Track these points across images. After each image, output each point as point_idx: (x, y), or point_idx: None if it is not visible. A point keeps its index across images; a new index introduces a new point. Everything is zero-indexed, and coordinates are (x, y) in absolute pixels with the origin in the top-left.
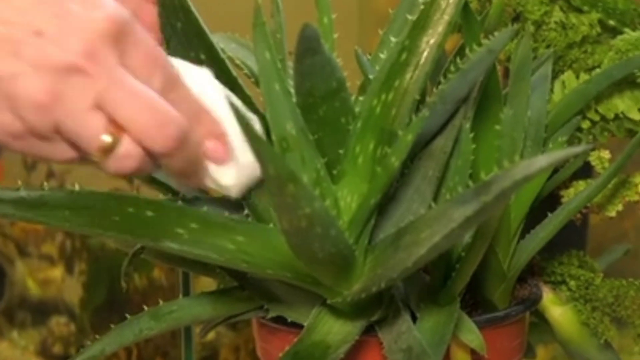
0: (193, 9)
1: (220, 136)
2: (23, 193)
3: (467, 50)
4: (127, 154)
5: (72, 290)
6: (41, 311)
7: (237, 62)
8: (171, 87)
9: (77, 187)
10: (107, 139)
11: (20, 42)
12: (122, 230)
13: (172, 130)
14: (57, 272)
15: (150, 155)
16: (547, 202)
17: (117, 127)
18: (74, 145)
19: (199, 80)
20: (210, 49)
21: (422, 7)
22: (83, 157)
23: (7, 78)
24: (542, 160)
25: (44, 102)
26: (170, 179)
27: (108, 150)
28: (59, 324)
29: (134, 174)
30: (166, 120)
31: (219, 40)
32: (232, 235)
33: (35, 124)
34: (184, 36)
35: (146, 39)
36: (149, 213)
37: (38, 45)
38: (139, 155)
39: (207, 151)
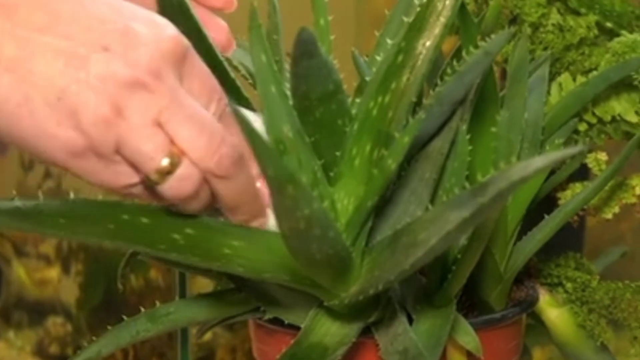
0: (193, 11)
1: None
2: (18, 203)
3: (463, 53)
4: (186, 175)
5: (68, 290)
6: (38, 311)
7: (235, 63)
8: (226, 119)
9: (72, 196)
10: (166, 159)
11: (87, 58)
12: (118, 238)
13: (230, 152)
14: (54, 273)
15: (207, 181)
16: (544, 204)
17: (176, 148)
18: (134, 167)
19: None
20: (209, 50)
21: (418, 9)
22: (143, 181)
23: (72, 93)
24: (539, 162)
25: (106, 116)
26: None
27: (167, 171)
28: (55, 324)
29: (192, 203)
30: (224, 142)
31: None
32: (228, 240)
33: (97, 139)
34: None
35: (204, 67)
36: (144, 220)
37: (104, 60)
38: (196, 178)
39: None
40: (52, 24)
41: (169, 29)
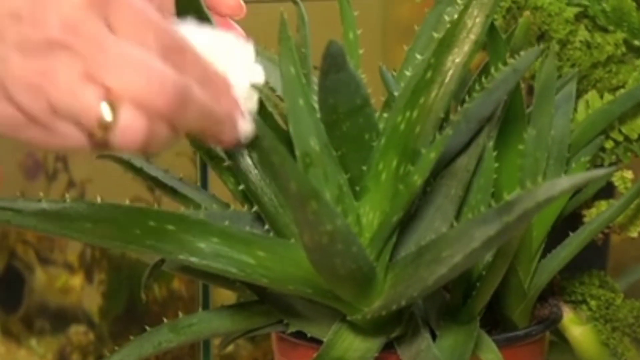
0: (213, 22)
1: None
2: (44, 205)
3: (492, 69)
4: (130, 122)
5: (91, 299)
6: (60, 319)
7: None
8: (172, 50)
9: (98, 200)
10: (105, 110)
11: (1, 29)
12: (143, 244)
13: (170, 85)
14: (77, 281)
15: (158, 120)
16: (568, 222)
17: (114, 96)
18: (78, 126)
19: (206, 41)
20: None
21: (448, 25)
22: (92, 138)
23: None
24: (565, 183)
25: (32, 82)
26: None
27: (109, 122)
28: (77, 332)
29: (149, 147)
30: (161, 77)
31: None
32: (253, 250)
33: (30, 107)
34: None
35: (136, 4)
36: (170, 227)
37: (17, 28)
38: (142, 122)
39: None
40: None
41: None
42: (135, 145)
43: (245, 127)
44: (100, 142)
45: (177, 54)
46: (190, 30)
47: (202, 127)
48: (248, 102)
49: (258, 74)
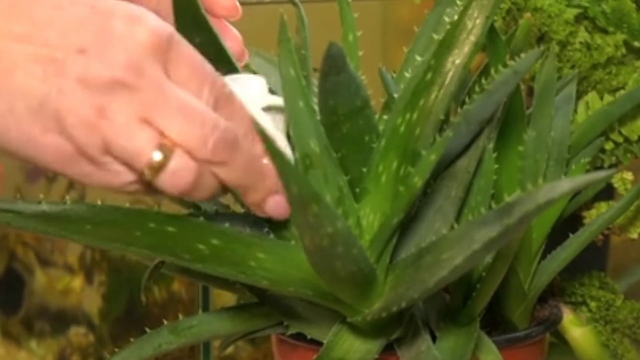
0: (211, 23)
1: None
2: (44, 206)
3: (492, 71)
4: (180, 167)
5: (91, 301)
6: (60, 321)
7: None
8: (223, 102)
9: (98, 202)
10: (157, 153)
11: (64, 62)
12: (143, 246)
13: (224, 136)
14: (77, 283)
15: (206, 168)
16: (569, 223)
17: (168, 141)
18: (127, 166)
19: (250, 93)
20: (229, 64)
21: (448, 26)
22: (140, 179)
23: (53, 99)
24: (565, 185)
25: (90, 118)
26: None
27: (159, 166)
28: (77, 334)
29: (194, 193)
30: (215, 127)
31: None
32: (253, 252)
33: (84, 142)
34: (202, 52)
35: (193, 53)
36: (170, 228)
37: (82, 63)
38: (192, 167)
39: (268, 206)
40: (30, 32)
41: (147, 20)
42: (181, 190)
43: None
44: (147, 183)
45: (227, 106)
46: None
47: (246, 181)
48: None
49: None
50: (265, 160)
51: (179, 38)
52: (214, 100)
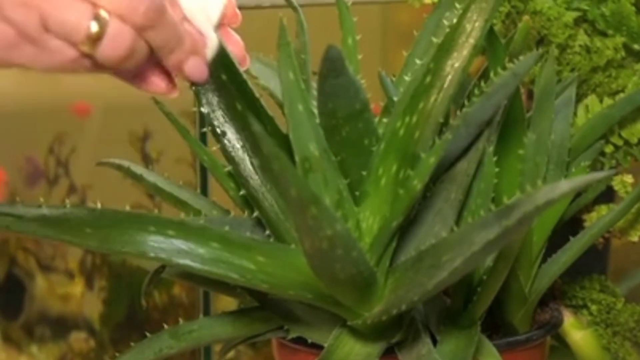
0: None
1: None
2: (45, 210)
3: (491, 74)
4: (117, 34)
5: (92, 306)
6: (61, 326)
7: (261, 82)
8: None
9: (99, 205)
10: (93, 24)
11: None
12: (143, 249)
13: (153, 1)
14: (77, 288)
15: (138, 34)
16: (569, 226)
17: (102, 10)
18: (67, 41)
19: None
20: (232, 68)
21: (447, 30)
22: (81, 54)
23: None
24: (565, 186)
25: None
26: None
27: (97, 36)
28: (78, 339)
29: (130, 60)
30: None
31: None
32: (253, 256)
33: (23, 22)
34: None
35: None
36: (170, 232)
37: None
38: (127, 33)
39: (188, 67)
40: None
41: None
42: (120, 57)
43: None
44: (86, 56)
45: None
46: None
47: (171, 44)
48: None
49: None
50: (186, 25)
51: None
52: None
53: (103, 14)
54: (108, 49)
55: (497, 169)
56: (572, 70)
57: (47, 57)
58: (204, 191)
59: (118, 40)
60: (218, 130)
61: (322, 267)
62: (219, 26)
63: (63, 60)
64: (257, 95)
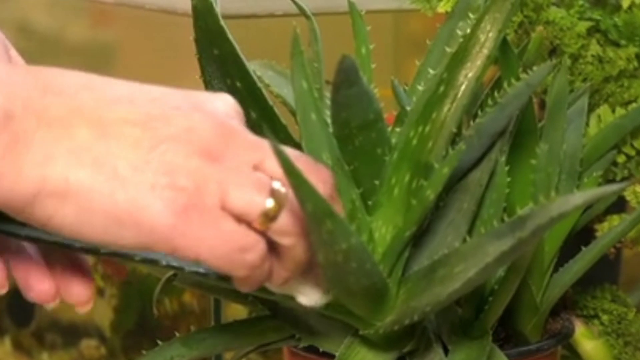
0: (230, 36)
1: None
2: None
3: (504, 84)
4: (294, 212)
5: (103, 313)
6: (72, 334)
7: (274, 90)
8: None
9: None
10: (270, 199)
11: (167, 117)
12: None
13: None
14: None
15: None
16: (581, 236)
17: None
18: (240, 221)
19: None
20: (246, 76)
21: (460, 39)
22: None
23: (161, 151)
24: (578, 198)
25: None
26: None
27: (273, 214)
28: (89, 347)
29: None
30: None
31: (255, 68)
32: None
33: (198, 187)
34: (221, 63)
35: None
36: None
37: (183, 117)
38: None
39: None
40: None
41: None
42: (298, 234)
43: None
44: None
45: None
46: None
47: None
48: None
49: None
50: None
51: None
52: None
53: (278, 190)
54: (287, 226)
55: (509, 179)
56: (585, 80)
57: (218, 239)
58: None
59: (293, 222)
60: None
61: (335, 279)
62: None
63: (236, 246)
64: (271, 103)
